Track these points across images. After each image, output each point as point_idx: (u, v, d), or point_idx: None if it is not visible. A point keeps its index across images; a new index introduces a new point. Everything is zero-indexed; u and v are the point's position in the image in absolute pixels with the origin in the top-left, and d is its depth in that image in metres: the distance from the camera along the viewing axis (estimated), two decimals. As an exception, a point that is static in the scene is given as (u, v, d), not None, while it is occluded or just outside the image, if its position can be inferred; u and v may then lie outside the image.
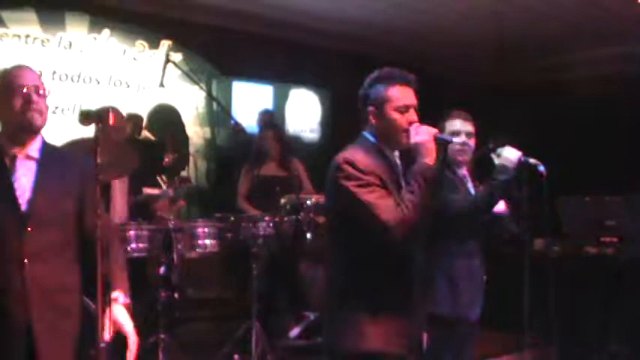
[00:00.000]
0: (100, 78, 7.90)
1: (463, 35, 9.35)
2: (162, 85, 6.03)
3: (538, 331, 5.99)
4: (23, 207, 2.81)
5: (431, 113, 4.50)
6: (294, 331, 6.28)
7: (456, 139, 3.11)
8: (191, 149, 8.27)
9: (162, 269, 5.17)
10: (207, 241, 5.39)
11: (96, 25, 7.92)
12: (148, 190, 5.06)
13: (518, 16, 8.54)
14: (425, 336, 3.36)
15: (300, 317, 6.37)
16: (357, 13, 8.69)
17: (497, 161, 4.04)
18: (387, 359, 3.00)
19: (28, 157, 2.91)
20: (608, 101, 9.65)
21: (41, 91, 2.92)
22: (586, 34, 9.20)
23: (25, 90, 2.87)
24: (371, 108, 3.12)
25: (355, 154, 3.04)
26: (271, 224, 5.69)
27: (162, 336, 5.19)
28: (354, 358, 3.03)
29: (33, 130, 2.91)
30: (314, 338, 5.99)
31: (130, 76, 8.20)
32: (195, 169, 7.93)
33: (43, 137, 3.00)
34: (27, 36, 7.55)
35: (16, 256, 2.74)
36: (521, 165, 4.00)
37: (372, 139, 3.14)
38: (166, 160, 5.45)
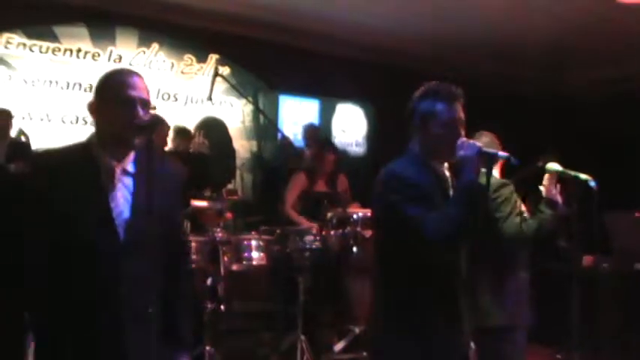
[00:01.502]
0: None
1: (510, 48, 9.30)
2: (210, 98, 6.07)
3: (586, 348, 5.94)
4: (120, 230, 2.56)
5: (479, 126, 4.50)
6: (339, 345, 6.25)
7: (501, 154, 3.07)
8: (238, 162, 8.34)
9: (209, 281, 5.20)
10: (254, 254, 5.42)
11: (145, 40, 8.06)
12: (196, 203, 5.09)
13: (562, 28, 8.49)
14: (473, 350, 3.34)
15: (345, 331, 6.35)
16: (404, 28, 8.71)
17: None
18: None
19: (125, 172, 2.63)
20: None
21: (148, 106, 2.64)
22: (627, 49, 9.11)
23: (133, 102, 2.58)
24: (418, 122, 3.13)
25: (401, 168, 3.04)
26: (318, 238, 5.71)
27: (207, 348, 5.22)
28: None
29: (130, 147, 2.62)
30: (359, 352, 5.96)
31: (178, 89, 8.32)
32: (241, 182, 7.99)
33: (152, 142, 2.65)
34: (78, 50, 7.71)
35: (110, 281, 2.53)
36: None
37: (418, 152, 3.14)
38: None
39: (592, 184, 4.15)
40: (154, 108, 2.71)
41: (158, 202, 2.56)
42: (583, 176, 4.21)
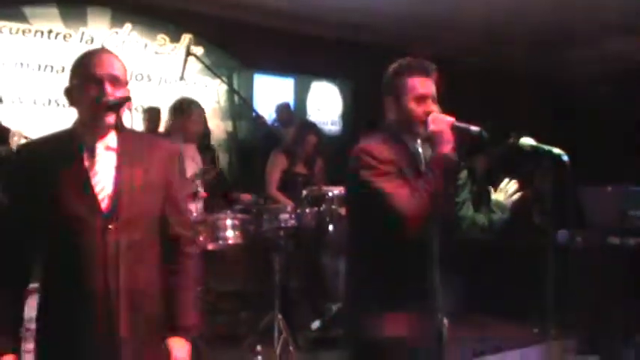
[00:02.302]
0: (122, 72, 7.92)
1: (486, 25, 9.31)
2: (182, 78, 6.04)
3: (560, 322, 6.00)
4: (104, 205, 2.54)
5: (452, 102, 4.52)
6: (316, 323, 6.28)
7: (473, 128, 3.08)
8: (213, 142, 8.31)
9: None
10: (230, 233, 5.39)
11: (117, 20, 8.00)
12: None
13: (541, 7, 8.50)
14: (447, 327, 3.36)
15: (321, 309, 6.37)
16: (380, 5, 8.68)
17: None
18: (407, 346, 3.00)
19: (109, 148, 2.62)
20: (633, 92, 9.60)
21: (119, 81, 2.62)
22: (613, 25, 9.13)
23: (99, 79, 2.57)
24: (390, 98, 3.13)
25: (373, 144, 3.04)
26: (293, 216, 5.70)
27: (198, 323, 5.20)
28: (374, 346, 3.02)
29: (106, 123, 2.60)
30: (335, 330, 5.99)
31: (151, 70, 8.27)
32: (217, 163, 7.97)
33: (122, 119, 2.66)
34: (49, 31, 7.63)
35: (98, 258, 2.50)
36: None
37: (391, 127, 3.14)
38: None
39: (565, 158, 4.16)
40: (126, 84, 2.68)
41: (147, 176, 2.62)
42: (556, 150, 4.21)
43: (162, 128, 7.31)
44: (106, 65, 2.61)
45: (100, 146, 2.61)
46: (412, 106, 3.07)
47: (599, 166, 7.42)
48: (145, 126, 7.30)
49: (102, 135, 2.62)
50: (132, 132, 2.79)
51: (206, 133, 6.40)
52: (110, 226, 2.52)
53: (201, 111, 6.12)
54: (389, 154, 2.99)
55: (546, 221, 5.56)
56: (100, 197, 2.55)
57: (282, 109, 8.59)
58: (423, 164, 3.12)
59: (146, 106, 7.58)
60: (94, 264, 2.50)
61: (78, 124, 2.66)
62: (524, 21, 9.10)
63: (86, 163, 2.57)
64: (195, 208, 5.73)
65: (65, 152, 2.60)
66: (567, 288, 6.30)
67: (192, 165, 5.99)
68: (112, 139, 2.64)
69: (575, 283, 6.46)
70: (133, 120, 2.81)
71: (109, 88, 2.57)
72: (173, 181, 2.79)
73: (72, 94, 2.65)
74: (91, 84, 2.57)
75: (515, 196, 3.52)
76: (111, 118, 2.58)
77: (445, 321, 3.33)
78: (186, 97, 6.40)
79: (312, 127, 7.16)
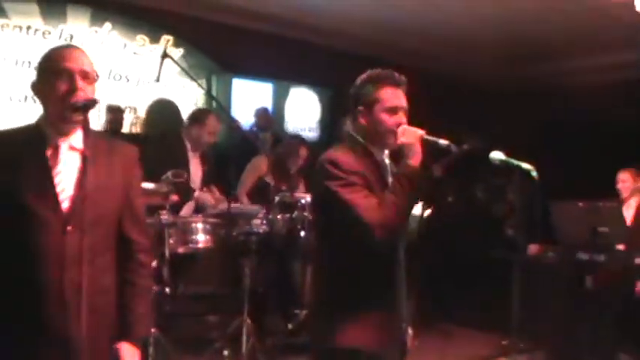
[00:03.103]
0: (99, 71, 7.84)
1: (464, 37, 9.36)
2: (158, 80, 6.02)
3: (530, 335, 6.04)
4: (65, 205, 2.51)
5: (427, 113, 4.56)
6: (285, 329, 6.28)
7: (442, 142, 3.09)
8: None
9: (154, 263, 5.15)
10: (200, 237, 5.38)
11: (97, 19, 7.96)
12: (141, 185, 5.02)
13: (517, 20, 8.56)
14: (411, 336, 3.37)
15: (291, 315, 6.37)
16: (360, 13, 8.70)
17: None
18: (366, 356, 3.00)
19: (73, 148, 2.58)
20: (604, 108, 9.68)
21: (89, 77, 2.58)
22: (584, 41, 9.22)
23: (70, 73, 2.53)
24: (360, 108, 3.13)
25: (340, 154, 3.04)
26: (265, 222, 5.70)
27: (152, 330, 5.19)
28: (335, 355, 3.03)
29: (73, 122, 2.56)
30: (304, 336, 5.99)
31: (130, 70, 8.24)
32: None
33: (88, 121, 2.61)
34: (28, 27, 7.58)
35: (55, 259, 2.47)
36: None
37: (359, 138, 3.15)
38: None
39: (534, 173, 4.20)
40: (95, 80, 2.63)
41: (107, 180, 2.59)
42: (525, 166, 4.26)
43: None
44: (77, 60, 2.58)
45: (63, 145, 2.58)
46: (383, 117, 3.08)
47: (571, 181, 7.48)
48: (108, 125, 7.26)
49: (67, 134, 2.59)
50: (96, 133, 2.76)
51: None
52: (69, 227, 2.49)
53: (217, 123, 6.16)
54: (355, 164, 2.99)
55: (517, 234, 5.60)
56: (60, 197, 2.52)
57: (261, 113, 8.60)
58: (390, 176, 3.13)
59: (109, 104, 7.52)
60: (51, 264, 2.47)
61: (43, 120, 2.61)
62: (499, 32, 9.16)
63: (49, 162, 2.54)
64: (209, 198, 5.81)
65: (28, 148, 2.55)
66: (537, 301, 6.39)
67: (197, 174, 6.02)
68: (76, 138, 2.60)
69: (545, 297, 6.53)
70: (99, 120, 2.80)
71: (80, 82, 2.54)
72: (133, 186, 2.76)
73: (40, 89, 2.60)
74: (61, 78, 2.53)
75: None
76: (78, 118, 2.55)
77: (410, 331, 3.35)
78: (204, 108, 6.44)
79: (303, 141, 7.20)
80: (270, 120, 8.70)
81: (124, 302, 2.70)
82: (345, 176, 2.94)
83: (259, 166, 6.80)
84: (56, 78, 2.54)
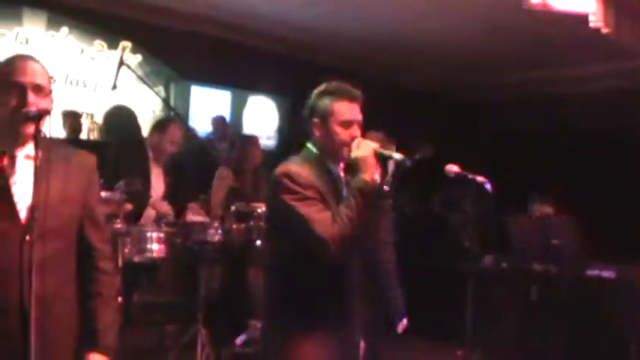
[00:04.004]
0: (56, 76, 7.82)
1: (419, 48, 9.42)
2: (115, 87, 5.98)
3: (486, 346, 6.09)
4: (23, 215, 2.50)
5: (389, 124, 4.59)
6: (240, 339, 6.25)
7: (396, 155, 3.11)
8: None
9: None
10: (155, 246, 5.32)
11: (54, 23, 7.88)
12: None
13: (473, 33, 8.65)
14: (363, 348, 3.38)
15: (246, 325, 6.34)
16: (319, 23, 8.72)
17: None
18: None
19: (29, 157, 2.56)
20: (561, 120, 9.81)
21: (43, 90, 2.58)
22: (539, 53, 9.35)
23: (22, 87, 2.52)
24: (315, 120, 3.15)
25: (294, 167, 3.05)
26: (220, 231, 5.67)
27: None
28: None
29: (25, 133, 2.55)
30: (259, 346, 5.97)
31: (87, 75, 8.17)
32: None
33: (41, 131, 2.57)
34: (-18, 29, 7.48)
35: (14, 269, 2.45)
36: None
37: (314, 151, 3.16)
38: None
39: (487, 186, 4.27)
40: (50, 92, 2.63)
41: (66, 188, 2.59)
42: (480, 178, 4.32)
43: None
44: (30, 73, 2.56)
45: (20, 155, 2.57)
46: (337, 130, 3.09)
47: (526, 193, 7.56)
48: (66, 131, 7.19)
49: (22, 143, 2.57)
50: (51, 142, 2.74)
51: (139, 141, 6.33)
52: (28, 237, 2.45)
53: (180, 131, 6.10)
54: (310, 178, 3.01)
55: (472, 246, 5.65)
56: (18, 207, 2.51)
57: (218, 122, 8.57)
58: (345, 189, 3.14)
59: (65, 110, 7.45)
60: (10, 275, 2.46)
61: None
62: (454, 46, 9.25)
63: (6, 172, 2.52)
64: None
65: None
66: (491, 312, 6.44)
67: (159, 184, 5.96)
68: (31, 148, 2.56)
69: (499, 308, 6.59)
70: (52, 127, 2.76)
71: (31, 97, 2.53)
72: (91, 193, 2.75)
73: None
74: (12, 91, 2.52)
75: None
76: (30, 129, 2.52)
77: (362, 344, 3.36)
78: (166, 117, 6.36)
79: (255, 141, 7.16)
80: (226, 128, 8.67)
81: (89, 312, 2.69)
82: (300, 190, 2.96)
83: (225, 176, 6.75)
84: (7, 92, 2.52)
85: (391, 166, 3.30)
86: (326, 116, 3.12)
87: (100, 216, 2.80)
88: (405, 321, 4.66)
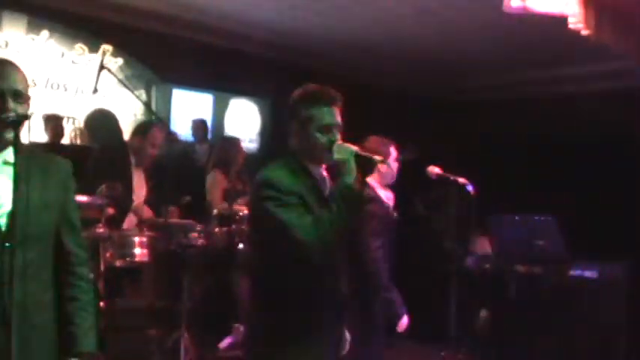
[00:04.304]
0: (37, 80, 7.78)
1: (403, 48, 9.44)
2: (95, 91, 5.95)
3: (467, 345, 6.10)
4: (2, 221, 2.48)
5: (371, 126, 4.59)
6: (224, 343, 6.25)
7: (376, 157, 3.11)
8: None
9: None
10: (137, 250, 5.30)
11: (34, 26, 7.82)
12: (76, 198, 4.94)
13: (454, 33, 8.68)
14: (347, 348, 3.39)
15: (230, 329, 6.34)
16: (300, 25, 8.73)
17: None
18: None
19: (7, 163, 2.55)
20: (543, 122, 9.85)
21: (22, 96, 2.56)
22: (520, 55, 9.39)
23: (1, 94, 2.50)
24: (295, 125, 3.14)
25: (276, 174, 3.05)
26: (203, 235, 5.66)
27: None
28: None
29: (3, 142, 2.53)
30: (243, 350, 5.95)
31: (68, 79, 8.11)
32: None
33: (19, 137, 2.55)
34: (-39, 33, 7.43)
35: None
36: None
37: (295, 156, 3.15)
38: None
39: (469, 188, 4.29)
40: (30, 98, 2.61)
41: (44, 195, 2.57)
42: (461, 180, 4.34)
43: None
44: (8, 79, 2.54)
45: None
46: (317, 134, 3.09)
47: (509, 194, 7.59)
48: (48, 135, 7.15)
49: (1, 149, 2.56)
50: (30, 147, 2.73)
51: (120, 145, 6.29)
52: (7, 244, 2.44)
53: (161, 134, 6.07)
54: (291, 184, 3.00)
55: (454, 247, 5.66)
56: None
57: (198, 125, 8.54)
58: (327, 192, 3.14)
59: (46, 113, 7.41)
60: None
61: None
62: (435, 46, 9.28)
63: None
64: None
65: None
66: (474, 312, 6.46)
67: (141, 188, 5.93)
68: (10, 154, 2.56)
69: (481, 308, 6.61)
70: (31, 131, 2.73)
71: (10, 103, 2.51)
72: (68, 199, 2.74)
73: None
74: None
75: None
76: (9, 135, 2.50)
77: (347, 346, 3.37)
78: (147, 120, 6.32)
79: (237, 141, 7.16)
80: (206, 131, 8.64)
81: (68, 318, 2.68)
82: (280, 196, 2.95)
83: (219, 180, 6.75)
84: None
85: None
86: (305, 121, 3.11)
87: (76, 221, 2.78)
88: (404, 320, 4.65)
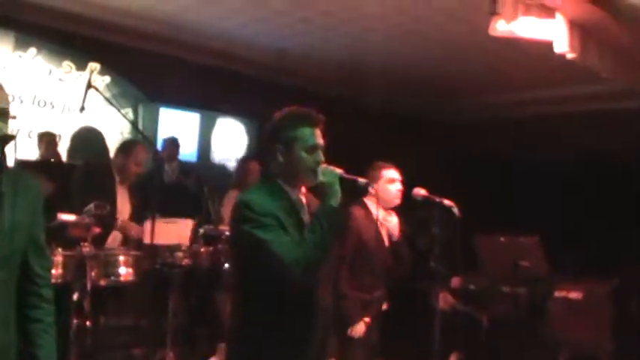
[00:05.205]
0: (23, 97, 7.78)
1: (390, 69, 9.48)
2: (83, 109, 5.95)
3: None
4: None
5: (352, 145, 4.63)
6: (210, 362, 6.24)
7: (361, 180, 3.16)
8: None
9: (75, 296, 5.06)
10: (122, 270, 5.30)
11: (22, 43, 7.82)
12: (63, 217, 4.93)
13: (441, 55, 8.74)
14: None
15: (214, 348, 6.32)
16: (289, 45, 8.76)
17: None
18: None
19: None
20: (525, 142, 9.92)
21: (6, 115, 2.55)
22: (505, 77, 9.46)
23: None
24: (279, 146, 3.16)
25: (254, 196, 3.09)
26: (188, 254, 5.66)
27: (73, 364, 5.09)
28: None
29: None
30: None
31: (55, 96, 8.12)
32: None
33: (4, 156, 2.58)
34: (-52, 49, 7.42)
35: None
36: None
37: (275, 178, 3.19)
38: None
39: (455, 210, 4.34)
40: (14, 117, 2.61)
41: (17, 215, 2.54)
42: (447, 202, 4.38)
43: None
44: None
45: None
46: (303, 155, 3.12)
47: (494, 215, 7.63)
48: (42, 152, 7.14)
49: None
50: (9, 168, 2.70)
51: (106, 163, 6.29)
52: None
53: (145, 153, 6.09)
54: (268, 206, 3.03)
55: (439, 267, 5.68)
56: None
57: (168, 142, 8.33)
58: (306, 214, 3.17)
59: (42, 130, 7.41)
60: None
61: None
62: (422, 67, 9.33)
63: None
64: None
65: None
66: (457, 331, 6.48)
67: (125, 206, 5.93)
68: None
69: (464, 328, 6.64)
70: (22, 148, 2.74)
71: None
72: (38, 222, 2.72)
73: None
74: None
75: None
76: None
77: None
78: (131, 139, 6.30)
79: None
80: (177, 150, 8.45)
81: (30, 338, 2.67)
82: (258, 217, 2.98)
83: (232, 199, 6.82)
84: None
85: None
86: (290, 142, 3.14)
87: (43, 243, 2.77)
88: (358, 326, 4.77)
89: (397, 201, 4.96)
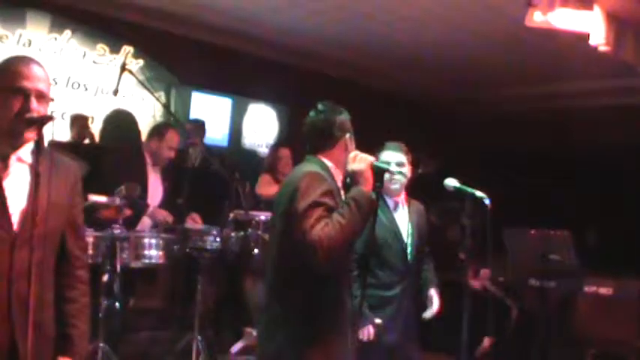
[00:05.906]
0: (58, 79, 7.82)
1: (420, 59, 9.43)
2: (117, 92, 5.98)
3: (477, 356, 6.10)
4: (15, 219, 2.50)
5: (385, 134, 4.62)
6: (236, 347, 6.25)
7: (392, 168, 3.17)
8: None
9: (105, 277, 5.10)
10: (153, 252, 5.33)
11: (57, 26, 7.85)
12: (94, 198, 4.96)
13: (473, 45, 8.67)
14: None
15: (242, 333, 6.35)
16: (321, 32, 8.73)
17: None
18: None
19: (21, 161, 2.56)
20: (562, 135, 9.83)
21: (45, 97, 2.58)
22: (539, 69, 9.36)
23: (26, 93, 2.52)
24: (347, 136, 3.27)
25: (319, 175, 3.15)
26: (218, 239, 5.68)
27: (101, 345, 5.13)
28: None
29: (23, 140, 2.55)
30: (255, 354, 5.97)
31: (88, 79, 8.14)
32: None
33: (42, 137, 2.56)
34: (-16, 31, 7.47)
35: (3, 273, 2.46)
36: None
37: (328, 163, 3.26)
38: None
39: (486, 201, 4.29)
40: (52, 100, 2.64)
41: (54, 196, 2.56)
42: (479, 193, 4.34)
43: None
44: (34, 79, 2.56)
45: (13, 157, 2.56)
46: (350, 145, 3.25)
47: (525, 208, 7.57)
48: (73, 134, 7.17)
49: (17, 147, 2.57)
50: (45, 149, 2.70)
51: (138, 146, 6.32)
52: (18, 242, 2.48)
53: (177, 137, 6.11)
54: (329, 186, 3.12)
55: (469, 259, 5.65)
56: (10, 211, 2.50)
57: (193, 126, 8.03)
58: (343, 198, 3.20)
59: (75, 112, 7.45)
60: (0, 278, 2.47)
61: None
62: (457, 57, 9.26)
63: (0, 175, 2.51)
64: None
65: None
66: (486, 324, 6.45)
67: (157, 190, 5.97)
68: (25, 152, 2.57)
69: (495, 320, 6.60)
70: (56, 130, 2.77)
71: (34, 103, 2.52)
72: (76, 203, 2.76)
73: None
74: (16, 96, 2.51)
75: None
76: (31, 134, 2.52)
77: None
78: (164, 122, 6.32)
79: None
80: (201, 132, 8.33)
81: (65, 319, 2.70)
82: (318, 198, 3.05)
83: (267, 183, 6.85)
84: (11, 95, 2.52)
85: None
86: (345, 132, 3.29)
87: (82, 226, 2.82)
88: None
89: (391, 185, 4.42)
